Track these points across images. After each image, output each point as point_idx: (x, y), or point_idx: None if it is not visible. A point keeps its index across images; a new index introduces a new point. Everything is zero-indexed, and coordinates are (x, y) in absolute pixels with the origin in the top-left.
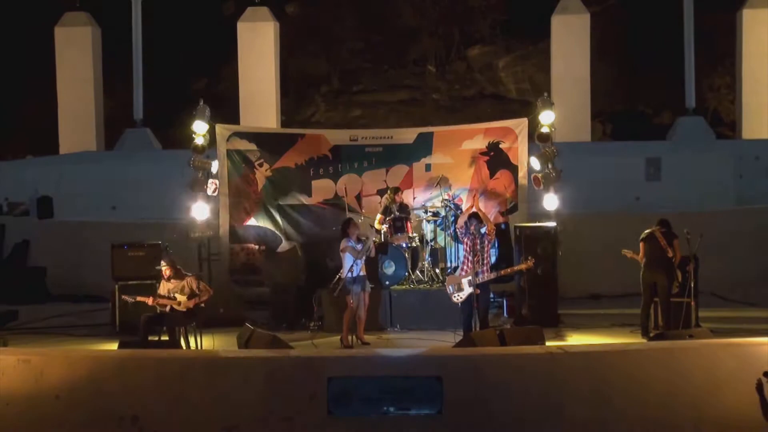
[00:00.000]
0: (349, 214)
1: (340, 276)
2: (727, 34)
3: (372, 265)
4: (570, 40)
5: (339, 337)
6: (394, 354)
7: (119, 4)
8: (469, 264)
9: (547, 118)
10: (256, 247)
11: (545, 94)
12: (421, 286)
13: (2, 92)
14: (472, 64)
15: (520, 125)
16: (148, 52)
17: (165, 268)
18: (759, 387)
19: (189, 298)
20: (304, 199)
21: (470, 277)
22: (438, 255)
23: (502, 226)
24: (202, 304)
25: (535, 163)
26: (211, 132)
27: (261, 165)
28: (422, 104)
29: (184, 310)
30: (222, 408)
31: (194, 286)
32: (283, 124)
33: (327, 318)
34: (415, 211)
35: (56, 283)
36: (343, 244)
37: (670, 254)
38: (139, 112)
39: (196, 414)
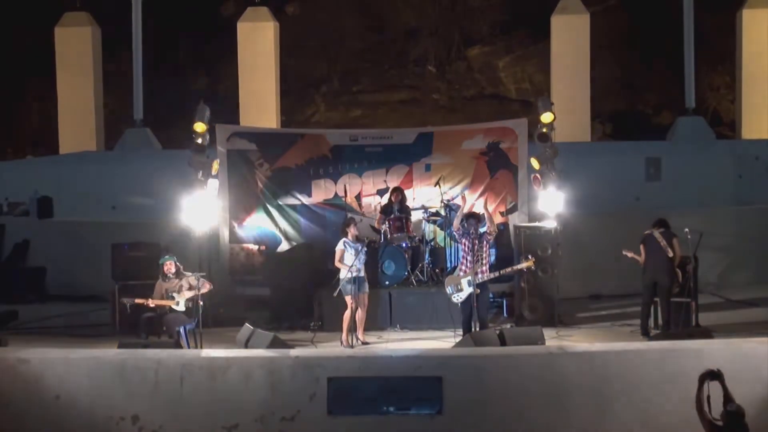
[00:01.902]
0: (349, 215)
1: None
2: (727, 34)
3: (372, 265)
4: (570, 40)
5: (339, 338)
6: (394, 354)
7: (119, 4)
8: (468, 264)
9: (547, 118)
10: (256, 247)
11: (545, 94)
12: (421, 286)
13: (2, 92)
14: (472, 64)
15: (520, 125)
16: (148, 52)
17: (169, 264)
18: (701, 381)
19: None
20: (304, 199)
21: (470, 277)
22: (438, 255)
23: (501, 227)
24: (201, 301)
25: (535, 163)
26: (211, 132)
27: (261, 165)
28: (422, 104)
29: (184, 309)
30: (222, 408)
31: (192, 282)
32: (283, 124)
33: (327, 318)
34: (415, 211)
35: (56, 283)
36: (339, 245)
37: (670, 254)
38: (139, 112)
39: (196, 414)
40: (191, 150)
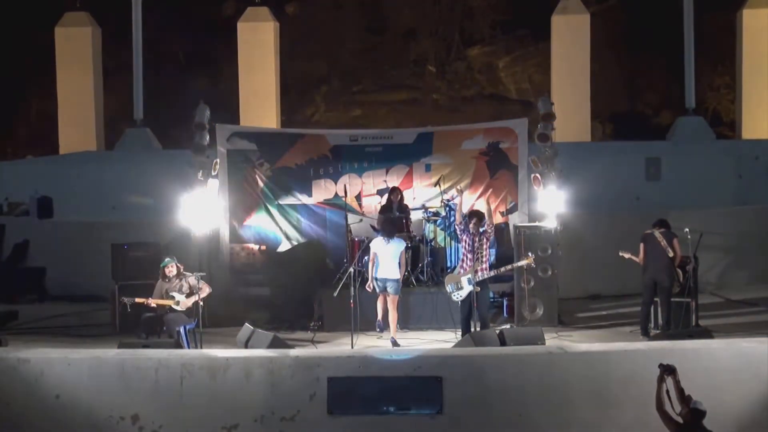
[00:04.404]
0: (349, 215)
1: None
2: (727, 34)
3: None
4: (570, 40)
5: (339, 338)
6: (394, 354)
7: (119, 4)
8: (468, 263)
9: (546, 118)
10: (257, 246)
11: (545, 94)
12: (421, 286)
13: (2, 92)
14: (472, 64)
15: (520, 125)
16: (148, 52)
17: (171, 267)
18: (660, 378)
19: (188, 296)
20: (304, 199)
21: (470, 276)
22: (438, 255)
23: (502, 226)
24: (201, 302)
25: (535, 164)
26: (211, 132)
27: (261, 165)
28: (422, 104)
29: (184, 309)
30: (222, 408)
31: (193, 284)
32: (283, 124)
33: (327, 318)
34: (415, 211)
35: (56, 283)
36: (403, 242)
37: (671, 254)
38: (139, 112)
39: (196, 414)
40: (191, 150)
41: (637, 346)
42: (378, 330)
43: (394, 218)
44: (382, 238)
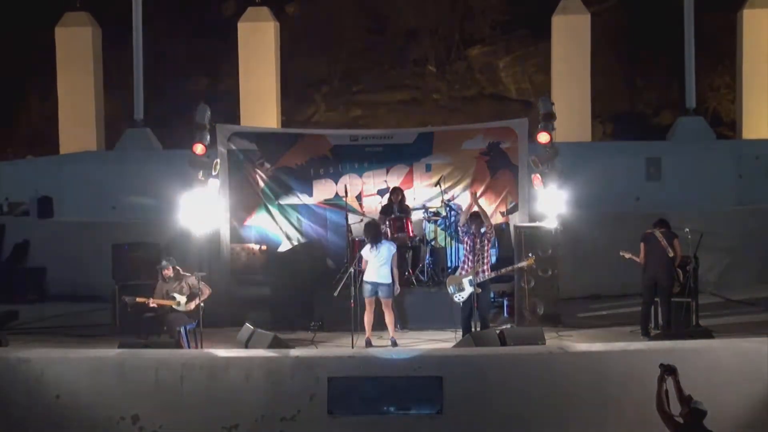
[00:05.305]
0: (349, 215)
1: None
2: (727, 34)
3: None
4: (570, 40)
5: (339, 338)
6: (394, 354)
7: (119, 4)
8: (470, 264)
9: (546, 118)
10: (257, 247)
11: (545, 94)
12: (422, 286)
13: (2, 92)
14: (472, 64)
15: (520, 125)
16: (148, 52)
17: (168, 269)
18: (661, 378)
19: (189, 297)
20: (305, 199)
21: (471, 277)
22: (438, 255)
23: (503, 226)
24: (202, 304)
25: (535, 164)
26: (212, 132)
27: (261, 165)
28: (422, 104)
29: (185, 311)
30: (222, 408)
31: (193, 284)
32: (283, 124)
33: (327, 318)
34: (415, 211)
35: (56, 283)
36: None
37: (671, 254)
38: (139, 112)
39: (196, 414)
40: (191, 150)
41: (637, 346)
42: (366, 345)
43: (374, 223)
44: (369, 245)
